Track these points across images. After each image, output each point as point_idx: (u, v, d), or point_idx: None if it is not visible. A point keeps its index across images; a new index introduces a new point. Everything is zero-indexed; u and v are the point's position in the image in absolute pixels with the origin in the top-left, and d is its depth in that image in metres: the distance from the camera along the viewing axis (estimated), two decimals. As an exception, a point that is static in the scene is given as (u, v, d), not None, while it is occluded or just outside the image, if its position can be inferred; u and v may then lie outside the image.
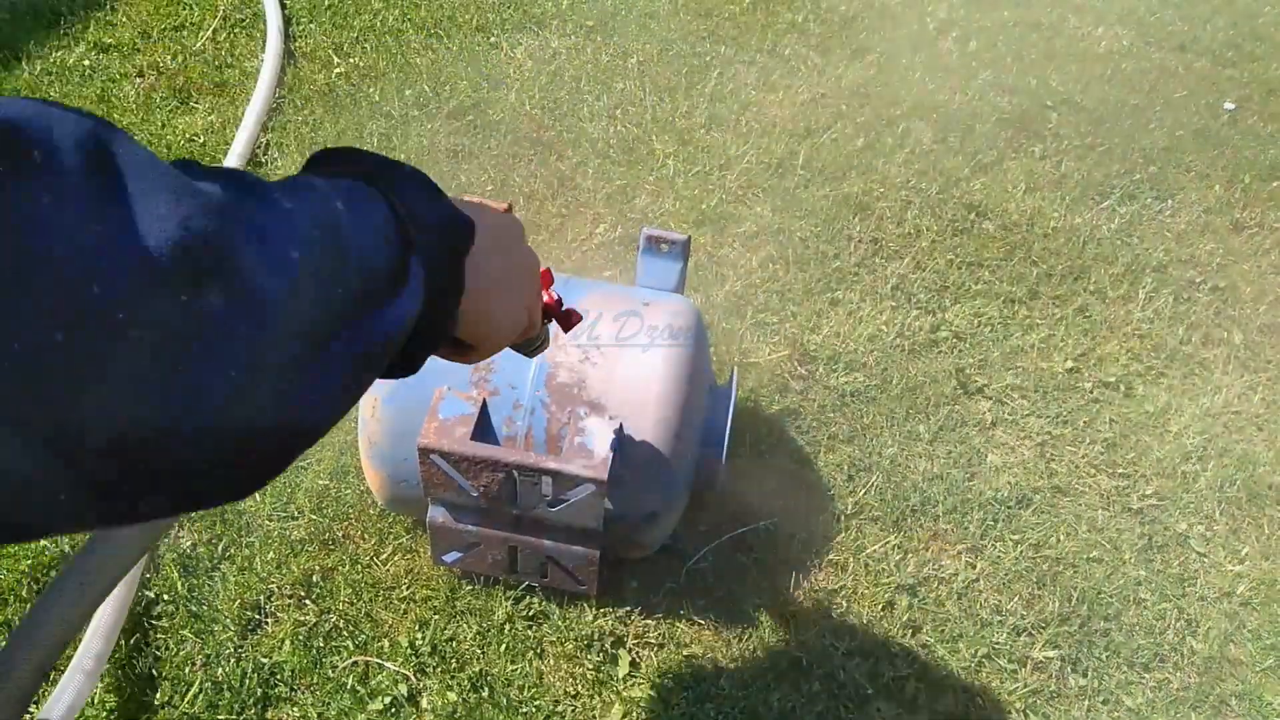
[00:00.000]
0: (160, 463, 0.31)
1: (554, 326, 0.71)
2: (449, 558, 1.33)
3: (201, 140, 2.16)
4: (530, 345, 0.66)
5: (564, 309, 0.70)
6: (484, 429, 1.20)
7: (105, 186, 0.29)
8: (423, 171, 0.48)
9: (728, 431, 1.27)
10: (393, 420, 1.22)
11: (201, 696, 1.26)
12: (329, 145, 0.45)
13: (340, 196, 0.40)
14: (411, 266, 0.42)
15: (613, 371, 1.20)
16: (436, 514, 1.27)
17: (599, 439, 1.16)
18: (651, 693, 1.31)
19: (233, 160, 2.03)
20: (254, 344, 0.32)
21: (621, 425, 1.18)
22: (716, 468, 1.29)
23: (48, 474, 0.28)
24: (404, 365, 0.47)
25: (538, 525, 1.25)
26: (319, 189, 0.39)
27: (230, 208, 0.32)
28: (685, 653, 1.36)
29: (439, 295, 0.45)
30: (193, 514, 1.44)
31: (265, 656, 1.31)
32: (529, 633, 1.35)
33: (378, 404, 1.23)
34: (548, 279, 0.67)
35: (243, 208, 0.33)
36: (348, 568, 1.41)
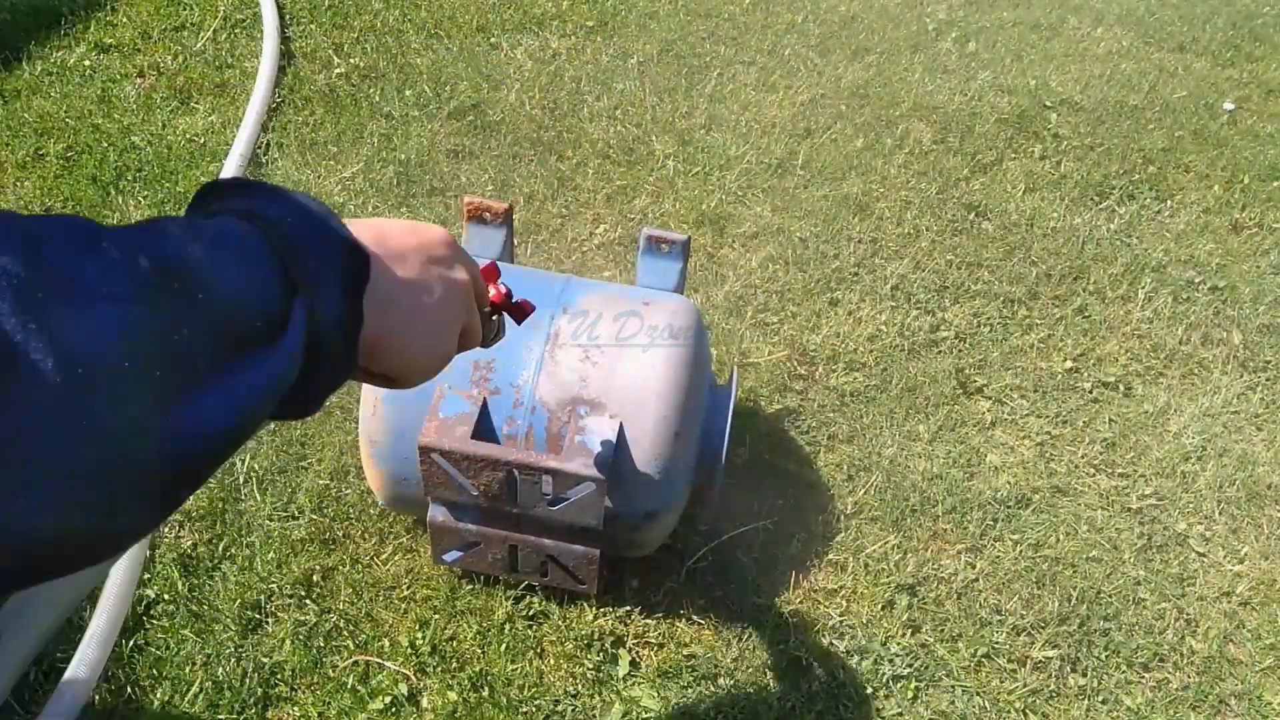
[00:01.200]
0: None
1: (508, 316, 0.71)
2: (449, 556, 1.33)
3: (202, 140, 2.16)
4: (484, 342, 0.65)
5: (515, 301, 0.69)
6: (484, 428, 1.20)
7: None
8: (315, 201, 0.44)
9: (727, 431, 1.27)
10: (393, 418, 1.22)
11: (202, 696, 1.26)
12: (264, 185, 0.43)
13: (202, 239, 0.36)
14: (294, 310, 0.39)
15: (614, 370, 1.20)
16: (437, 513, 1.27)
17: (599, 438, 1.16)
18: (651, 693, 1.31)
19: (233, 160, 2.03)
20: (65, 430, 0.29)
21: (622, 424, 1.18)
22: (716, 467, 1.29)
23: None
24: (302, 404, 0.44)
25: (538, 524, 1.25)
26: (171, 234, 0.35)
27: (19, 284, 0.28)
28: (685, 653, 1.36)
29: (327, 339, 0.42)
30: (192, 514, 1.45)
31: (266, 656, 1.31)
32: (529, 632, 1.35)
33: (379, 402, 1.23)
34: (493, 273, 0.67)
35: (37, 283, 0.29)
36: (348, 567, 1.41)
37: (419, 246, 0.53)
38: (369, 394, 1.24)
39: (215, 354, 0.35)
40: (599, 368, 1.20)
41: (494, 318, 0.67)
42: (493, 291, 0.67)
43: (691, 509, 1.35)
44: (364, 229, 0.48)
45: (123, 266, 0.32)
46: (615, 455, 1.16)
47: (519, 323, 0.72)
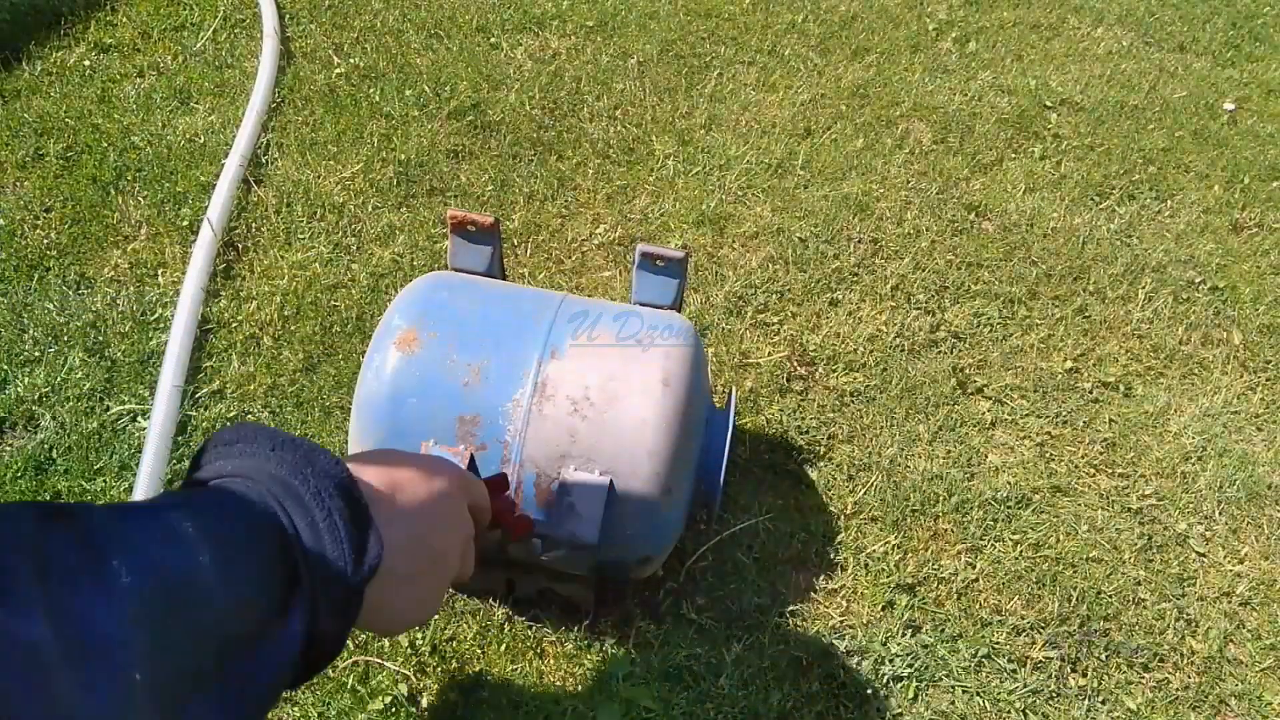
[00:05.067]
0: None
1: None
2: None
3: (202, 140, 2.16)
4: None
5: (516, 515, 0.66)
6: None
7: None
8: (345, 473, 0.43)
9: (725, 459, 1.25)
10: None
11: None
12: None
13: (211, 543, 0.36)
14: (292, 612, 0.39)
15: (603, 424, 1.14)
16: None
17: (589, 498, 1.11)
18: (651, 693, 1.31)
19: (233, 160, 2.03)
20: None
21: (612, 482, 1.13)
22: (714, 493, 1.27)
23: None
24: (303, 676, 0.44)
25: (532, 566, 1.22)
26: (185, 540, 0.35)
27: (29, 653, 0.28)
28: (685, 653, 1.36)
29: (324, 634, 0.41)
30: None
31: (265, 656, 1.31)
32: (529, 633, 1.35)
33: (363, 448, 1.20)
34: (501, 486, 0.64)
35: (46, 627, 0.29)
36: (348, 567, 1.41)
37: (428, 499, 0.50)
38: (356, 442, 1.19)
39: (220, 660, 0.35)
40: (588, 421, 1.14)
41: (492, 531, 0.64)
42: (495, 505, 0.63)
43: (691, 510, 1.35)
44: (378, 475, 0.46)
45: (129, 604, 0.32)
46: (606, 513, 1.11)
47: (512, 540, 0.68)
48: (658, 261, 1.28)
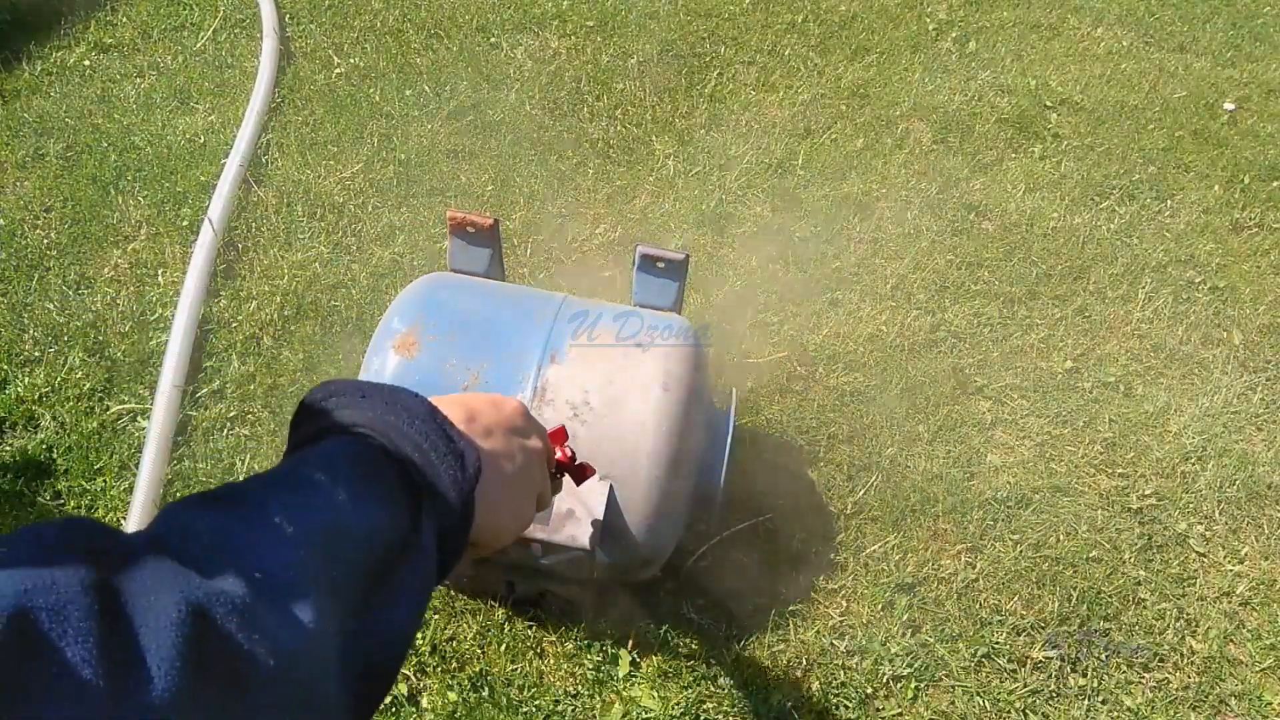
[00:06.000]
0: None
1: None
2: (447, 580, 1.33)
3: (202, 140, 2.16)
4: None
5: (576, 464, 0.70)
6: None
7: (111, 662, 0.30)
8: (428, 403, 0.49)
9: (724, 462, 1.24)
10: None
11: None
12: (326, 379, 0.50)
13: (344, 484, 0.42)
14: (423, 525, 0.45)
15: (603, 429, 1.14)
16: None
17: (588, 503, 1.11)
18: (651, 693, 1.31)
19: (234, 160, 2.03)
20: (292, 691, 0.35)
21: (612, 487, 1.13)
22: (714, 495, 1.27)
23: None
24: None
25: (532, 569, 1.23)
26: (322, 488, 0.41)
27: (229, 611, 0.34)
28: (685, 652, 1.36)
29: (450, 540, 0.47)
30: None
31: (265, 656, 1.31)
32: (529, 632, 1.35)
33: None
34: (562, 435, 0.68)
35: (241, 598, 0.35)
36: (348, 567, 1.41)
37: (502, 421, 0.56)
38: None
39: (379, 575, 0.42)
40: (588, 425, 1.14)
41: (557, 476, 0.68)
42: (559, 453, 0.68)
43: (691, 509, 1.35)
44: (453, 407, 0.53)
45: (299, 548, 0.38)
46: (606, 517, 1.11)
47: (578, 484, 0.73)
48: (658, 263, 1.27)
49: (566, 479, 0.71)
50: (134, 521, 1.40)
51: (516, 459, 0.56)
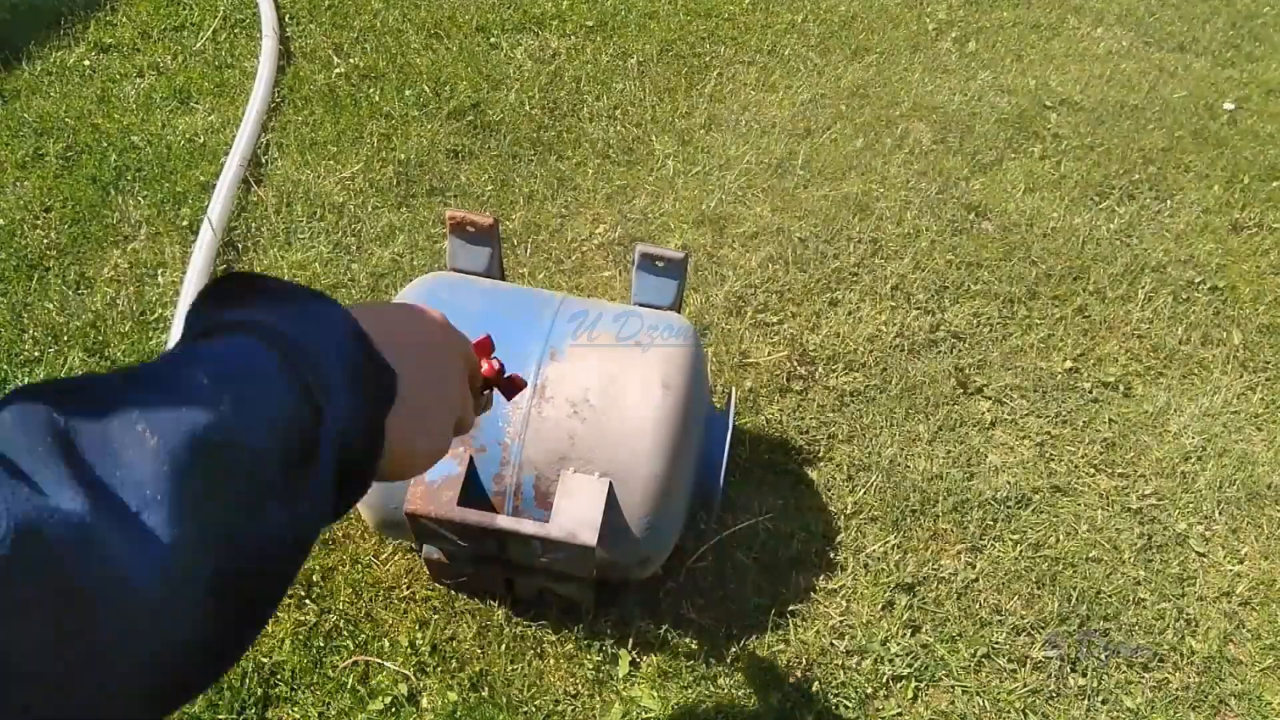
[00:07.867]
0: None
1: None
2: (446, 580, 1.33)
3: (201, 140, 2.16)
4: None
5: (506, 376, 0.67)
6: (472, 488, 1.15)
7: None
8: (344, 311, 0.43)
9: (724, 462, 1.25)
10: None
11: (201, 696, 1.26)
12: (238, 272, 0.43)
13: (229, 392, 0.36)
14: (320, 451, 0.39)
15: (602, 426, 1.14)
16: (431, 550, 1.25)
17: (588, 500, 1.10)
18: (651, 693, 1.31)
19: (234, 160, 2.03)
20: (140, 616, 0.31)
21: (611, 484, 1.13)
22: (714, 495, 1.27)
23: None
24: (331, 515, 0.44)
25: (532, 566, 1.23)
26: (202, 392, 0.35)
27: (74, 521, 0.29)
28: (685, 652, 1.36)
29: (354, 470, 0.42)
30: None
31: (265, 656, 1.31)
32: (529, 632, 1.35)
33: None
34: (487, 347, 0.65)
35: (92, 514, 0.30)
36: (348, 567, 1.41)
37: (418, 335, 0.51)
38: None
39: (245, 515, 0.36)
40: (587, 424, 1.13)
41: (485, 392, 0.64)
42: (485, 366, 0.64)
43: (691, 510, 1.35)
44: (370, 316, 0.46)
45: (162, 462, 0.33)
46: (606, 515, 1.11)
47: (509, 398, 0.69)
48: (657, 262, 1.27)
49: (497, 394, 0.67)
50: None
51: (434, 381, 0.51)
